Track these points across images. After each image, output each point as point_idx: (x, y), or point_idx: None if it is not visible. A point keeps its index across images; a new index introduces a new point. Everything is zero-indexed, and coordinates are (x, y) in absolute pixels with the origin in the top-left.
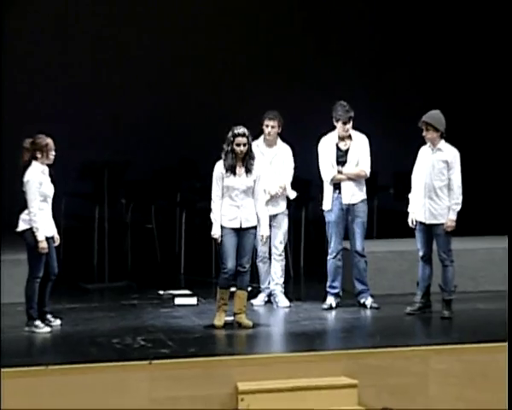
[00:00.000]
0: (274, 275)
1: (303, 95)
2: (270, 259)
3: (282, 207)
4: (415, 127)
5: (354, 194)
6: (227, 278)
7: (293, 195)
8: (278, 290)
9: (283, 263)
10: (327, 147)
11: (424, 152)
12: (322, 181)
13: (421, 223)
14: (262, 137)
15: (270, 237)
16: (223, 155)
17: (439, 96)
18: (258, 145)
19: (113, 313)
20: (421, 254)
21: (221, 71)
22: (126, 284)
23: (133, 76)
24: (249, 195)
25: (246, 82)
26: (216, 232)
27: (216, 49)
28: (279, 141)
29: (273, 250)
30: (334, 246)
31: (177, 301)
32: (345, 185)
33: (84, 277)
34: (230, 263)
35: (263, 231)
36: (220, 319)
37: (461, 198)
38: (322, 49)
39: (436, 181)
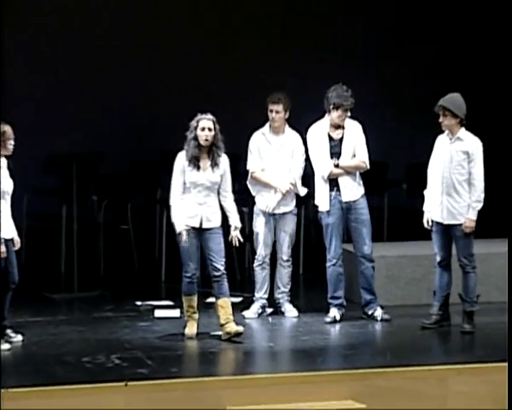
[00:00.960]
0: (279, 282)
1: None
2: (270, 265)
3: (290, 205)
4: (431, 113)
5: (353, 189)
6: (190, 282)
7: (303, 191)
8: (285, 299)
9: (290, 270)
10: (318, 137)
11: (441, 142)
12: (313, 177)
13: (438, 223)
14: (268, 125)
15: (275, 240)
16: (185, 145)
17: (459, 77)
18: (264, 133)
19: (84, 328)
20: (438, 258)
21: (208, 56)
22: (99, 293)
23: (109, 56)
24: (213, 191)
25: (237, 68)
26: (180, 227)
27: (200, 32)
28: (287, 128)
29: (280, 255)
30: (334, 251)
31: (157, 313)
32: (343, 181)
33: (49, 285)
34: (192, 265)
35: (235, 222)
36: (192, 328)
37: (483, 195)
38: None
39: (455, 175)
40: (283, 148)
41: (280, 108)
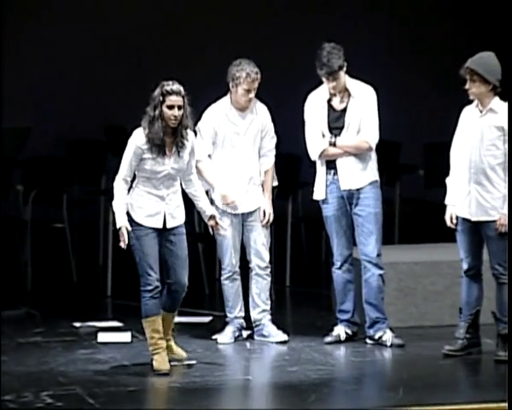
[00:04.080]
0: (258, 299)
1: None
2: (240, 275)
3: (260, 198)
4: (456, 78)
5: (356, 174)
6: (153, 297)
7: (275, 181)
8: (267, 319)
9: (270, 280)
10: (316, 107)
11: (469, 115)
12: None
13: (464, 220)
14: (227, 99)
15: (243, 242)
16: (145, 124)
17: (490, 36)
18: (226, 114)
19: (5, 357)
20: (465, 266)
21: (161, 13)
22: (25, 312)
23: (42, 16)
24: (177, 180)
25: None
26: (121, 222)
27: None
28: (257, 103)
29: (255, 263)
30: (337, 252)
31: (102, 337)
32: (341, 163)
33: None
34: (154, 275)
35: (208, 208)
36: (162, 361)
37: None
38: None
39: (487, 158)
40: (250, 128)
41: (256, 85)
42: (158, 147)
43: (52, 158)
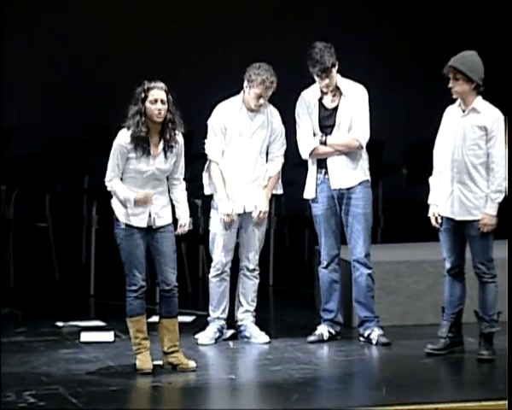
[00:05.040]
0: (243, 299)
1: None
2: (230, 275)
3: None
4: (439, 77)
5: (347, 174)
6: (138, 297)
7: (279, 189)
8: (249, 320)
9: (258, 282)
10: (307, 105)
11: (451, 115)
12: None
13: (448, 219)
14: (240, 97)
15: (238, 243)
16: (129, 122)
17: (475, 33)
18: (237, 113)
19: None
20: (448, 265)
21: (146, 13)
22: (7, 312)
23: (29, 16)
24: (163, 180)
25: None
26: (132, 194)
27: None
28: (269, 107)
29: (244, 263)
30: (324, 251)
31: (85, 336)
32: (332, 162)
33: None
34: (139, 275)
35: (183, 217)
36: (147, 361)
37: (505, 183)
38: None
39: (469, 157)
40: (259, 131)
41: (270, 93)
42: (142, 146)
43: (34, 157)
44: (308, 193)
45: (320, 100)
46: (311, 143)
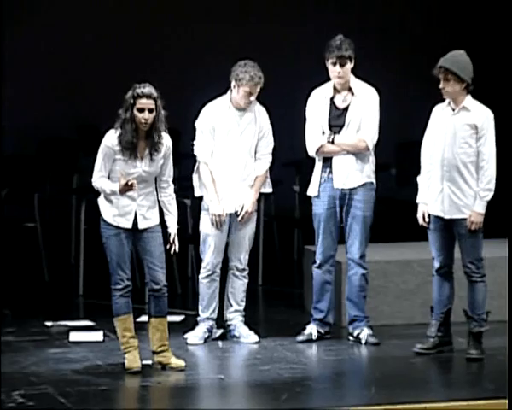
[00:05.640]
0: (232, 299)
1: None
2: (219, 276)
3: None
4: (428, 77)
5: (351, 174)
6: (123, 295)
7: (268, 188)
8: (239, 320)
9: (247, 282)
10: (319, 103)
11: (440, 113)
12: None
13: (437, 218)
14: (227, 97)
15: (228, 243)
16: (117, 125)
17: (465, 32)
18: (225, 112)
19: None
20: (437, 264)
21: (135, 14)
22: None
23: (16, 16)
24: (151, 182)
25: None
26: (115, 186)
27: None
28: (256, 105)
29: (233, 263)
30: (320, 250)
31: (74, 336)
32: (337, 162)
33: None
34: (124, 275)
35: (172, 225)
36: (134, 360)
37: (494, 181)
38: None
39: (459, 155)
40: (248, 130)
41: (258, 89)
42: (129, 149)
43: (23, 157)
44: (311, 190)
45: (332, 99)
46: (318, 140)
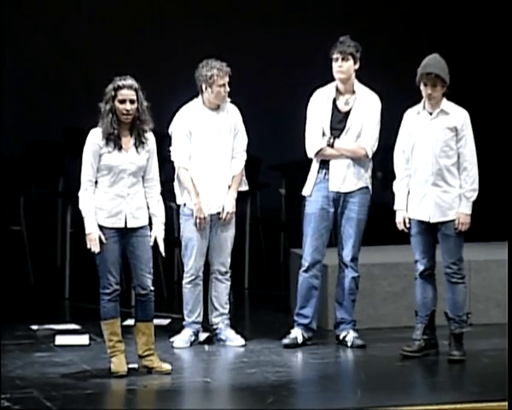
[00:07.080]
0: (216, 302)
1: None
2: (202, 280)
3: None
4: (411, 83)
5: (348, 178)
6: (111, 300)
7: (244, 186)
8: (224, 323)
9: (229, 284)
10: (320, 104)
11: (415, 118)
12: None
13: (421, 223)
14: (199, 100)
15: (209, 247)
16: (100, 120)
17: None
18: (200, 114)
19: None
20: (420, 268)
21: (120, 14)
22: None
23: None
24: (139, 179)
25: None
26: (93, 230)
27: None
28: (228, 103)
29: (216, 267)
30: (309, 252)
31: (60, 340)
32: (335, 164)
33: None
34: (112, 279)
35: (158, 228)
36: (121, 364)
37: (477, 181)
38: None
39: (442, 159)
40: (224, 128)
41: (228, 78)
42: (112, 140)
43: (9, 160)
44: (305, 190)
45: (334, 101)
46: (318, 143)
